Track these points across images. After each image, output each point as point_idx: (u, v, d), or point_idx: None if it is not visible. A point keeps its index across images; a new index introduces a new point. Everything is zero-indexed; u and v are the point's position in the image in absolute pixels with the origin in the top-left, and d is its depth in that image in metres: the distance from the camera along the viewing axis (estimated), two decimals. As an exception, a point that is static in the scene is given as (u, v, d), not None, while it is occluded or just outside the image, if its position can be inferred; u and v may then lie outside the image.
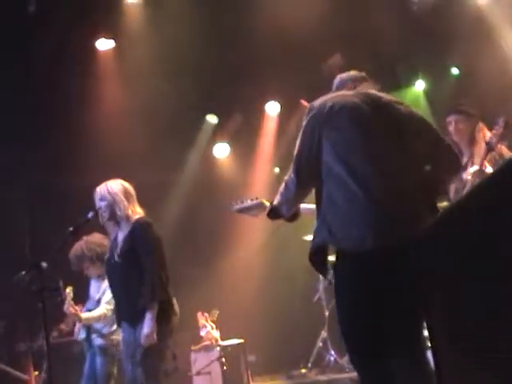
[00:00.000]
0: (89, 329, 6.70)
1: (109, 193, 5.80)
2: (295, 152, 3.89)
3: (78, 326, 6.81)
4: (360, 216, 3.60)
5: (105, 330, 6.66)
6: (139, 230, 5.71)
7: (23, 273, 5.65)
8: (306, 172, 3.86)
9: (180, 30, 9.04)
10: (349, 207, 3.63)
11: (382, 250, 3.53)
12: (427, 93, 10.86)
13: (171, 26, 9.06)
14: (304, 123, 3.88)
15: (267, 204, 4.42)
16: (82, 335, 6.77)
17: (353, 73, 4.23)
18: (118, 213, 5.77)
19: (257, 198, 4.58)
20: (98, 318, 6.57)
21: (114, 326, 6.56)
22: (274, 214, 4.17)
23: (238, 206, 4.67)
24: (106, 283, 6.63)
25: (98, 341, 6.65)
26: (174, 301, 5.73)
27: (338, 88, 4.15)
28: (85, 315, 6.57)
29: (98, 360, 6.65)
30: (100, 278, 6.84)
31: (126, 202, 5.79)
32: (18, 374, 7.79)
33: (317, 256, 3.91)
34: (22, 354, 8.42)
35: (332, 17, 9.03)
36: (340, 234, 3.66)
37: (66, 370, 6.96)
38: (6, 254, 9.28)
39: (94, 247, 6.75)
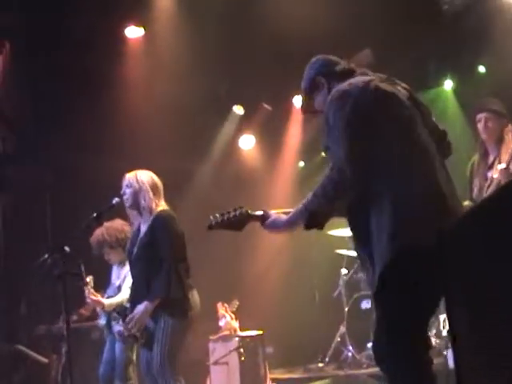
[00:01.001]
0: (109, 315, 6.73)
1: (137, 181, 5.82)
2: (342, 148, 3.50)
3: (99, 311, 6.84)
4: (422, 213, 3.48)
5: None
6: (160, 223, 5.74)
7: (46, 256, 5.68)
8: (361, 169, 3.50)
9: (209, 20, 9.05)
10: (416, 206, 3.48)
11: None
12: (456, 91, 10.79)
13: (201, 16, 9.06)
14: (342, 111, 3.57)
15: (257, 213, 4.06)
16: (102, 321, 6.80)
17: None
18: (142, 203, 5.79)
19: (241, 208, 4.12)
20: (122, 303, 6.58)
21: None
22: (311, 222, 3.71)
23: (218, 219, 4.16)
24: (126, 269, 6.68)
25: (117, 327, 6.67)
26: (194, 292, 5.75)
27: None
28: (107, 301, 6.60)
29: (118, 346, 6.68)
30: (121, 264, 6.87)
31: (151, 194, 5.81)
32: (37, 356, 7.83)
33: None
34: (42, 336, 8.47)
35: (361, 14, 8.99)
36: (408, 232, 3.45)
37: (84, 354, 6.99)
38: (29, 237, 9.35)
39: (114, 233, 6.78)
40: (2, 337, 9.55)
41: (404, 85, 3.87)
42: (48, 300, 8.57)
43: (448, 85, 10.83)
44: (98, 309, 6.81)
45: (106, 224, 6.79)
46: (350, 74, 3.88)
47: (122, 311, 6.20)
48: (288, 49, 9.47)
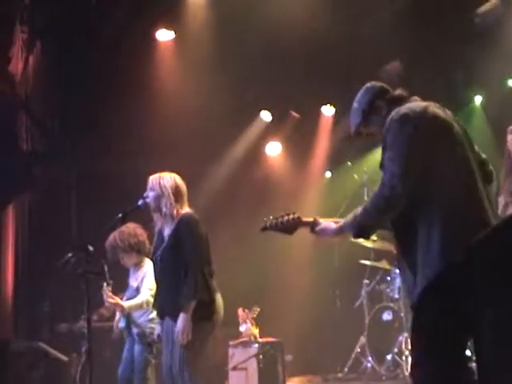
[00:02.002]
0: (129, 317, 6.73)
1: (159, 185, 5.80)
2: (397, 165, 3.61)
3: (118, 315, 6.84)
4: (469, 232, 3.56)
5: (142, 319, 6.68)
6: (184, 226, 5.72)
7: (69, 255, 5.70)
8: (413, 186, 3.61)
9: (239, 25, 9.05)
10: (464, 225, 3.58)
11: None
12: (483, 105, 10.77)
13: (231, 21, 9.07)
14: (401, 132, 3.70)
15: (308, 220, 4.21)
16: (121, 324, 6.80)
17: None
18: (164, 209, 5.78)
19: (293, 213, 4.28)
20: (141, 305, 6.57)
21: (152, 314, 6.61)
22: (359, 233, 3.90)
23: (272, 222, 4.30)
24: (143, 271, 6.70)
25: (136, 329, 6.69)
26: (218, 296, 5.75)
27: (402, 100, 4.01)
28: (127, 303, 6.59)
29: (137, 347, 6.68)
30: (137, 266, 6.86)
31: (173, 200, 5.78)
32: (57, 354, 7.86)
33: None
34: (63, 334, 8.51)
35: (393, 26, 8.97)
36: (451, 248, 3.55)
37: (103, 354, 7.00)
38: (53, 236, 9.40)
39: (126, 237, 6.74)
40: (23, 334, 9.63)
41: (450, 112, 3.95)
42: (70, 299, 8.62)
43: (478, 99, 10.81)
44: (118, 313, 6.82)
45: (119, 228, 6.74)
46: (404, 99, 4.00)
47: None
48: (318, 58, 9.48)
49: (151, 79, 9.82)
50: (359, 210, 3.82)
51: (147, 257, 6.68)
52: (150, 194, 5.82)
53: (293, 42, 9.13)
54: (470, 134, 3.93)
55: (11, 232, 10.11)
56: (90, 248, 5.56)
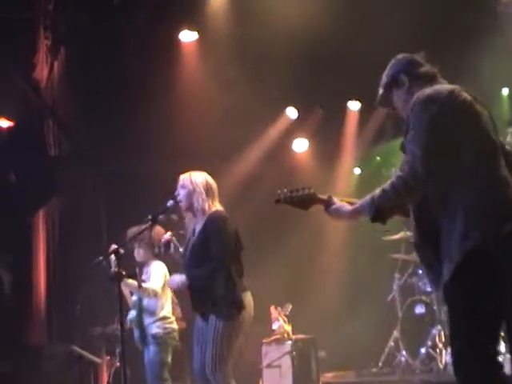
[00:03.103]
0: (143, 330, 6.75)
1: (190, 182, 5.83)
2: (420, 146, 3.54)
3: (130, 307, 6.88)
4: (494, 216, 3.52)
5: (148, 322, 6.73)
6: (212, 222, 5.74)
7: (101, 258, 5.72)
8: (435, 167, 3.53)
9: (263, 24, 9.04)
10: (488, 209, 3.52)
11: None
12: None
13: (255, 19, 9.06)
14: (426, 113, 3.62)
15: (323, 197, 4.07)
16: (136, 335, 6.82)
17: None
18: (195, 204, 5.79)
19: (309, 188, 4.12)
20: (145, 290, 6.58)
21: (165, 312, 6.72)
22: (377, 215, 3.75)
23: (287, 194, 4.17)
24: (151, 268, 6.79)
25: (151, 329, 6.71)
26: (247, 294, 5.75)
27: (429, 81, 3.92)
28: (130, 281, 6.51)
29: (151, 348, 6.70)
30: (144, 264, 6.90)
31: (204, 195, 5.81)
32: (91, 357, 7.91)
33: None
34: (96, 337, 8.56)
35: (420, 17, 8.92)
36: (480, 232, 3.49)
37: (136, 356, 7.02)
38: (84, 240, 9.45)
39: (152, 234, 6.79)
40: (57, 338, 9.70)
41: (477, 97, 3.88)
42: (102, 302, 8.66)
43: (505, 91, 10.74)
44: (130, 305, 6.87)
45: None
46: (432, 78, 3.93)
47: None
48: (343, 52, 9.45)
49: (176, 80, 9.85)
50: (377, 191, 3.70)
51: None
52: (182, 192, 5.84)
53: (317, 37, 9.08)
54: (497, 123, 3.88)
55: (42, 237, 10.19)
56: (121, 251, 5.58)
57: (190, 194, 5.81)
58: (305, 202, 4.14)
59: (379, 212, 3.71)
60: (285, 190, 4.17)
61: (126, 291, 6.59)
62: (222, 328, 5.55)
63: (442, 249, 3.57)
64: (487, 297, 3.50)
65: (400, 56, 4.12)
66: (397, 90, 4.01)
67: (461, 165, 3.58)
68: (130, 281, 6.41)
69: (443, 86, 3.81)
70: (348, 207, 3.96)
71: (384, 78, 4.09)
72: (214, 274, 5.61)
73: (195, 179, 5.87)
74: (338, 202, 4.03)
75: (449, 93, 3.71)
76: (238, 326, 5.64)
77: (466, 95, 3.75)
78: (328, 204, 4.05)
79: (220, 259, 5.63)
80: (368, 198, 3.76)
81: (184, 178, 5.90)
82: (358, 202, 3.89)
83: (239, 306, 5.63)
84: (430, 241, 3.66)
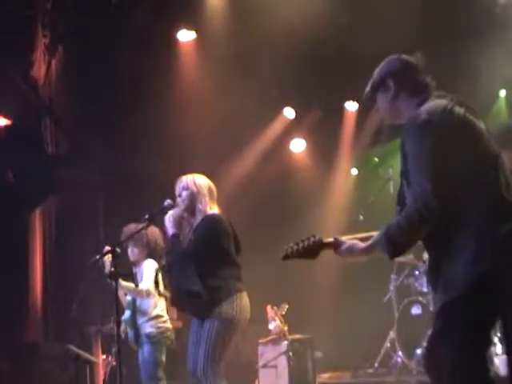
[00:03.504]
0: (136, 330, 6.74)
1: (194, 184, 5.86)
2: (428, 180, 3.45)
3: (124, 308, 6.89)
4: (501, 241, 3.46)
5: (141, 321, 6.74)
6: (205, 223, 5.77)
7: (97, 257, 5.72)
8: (448, 202, 3.45)
9: (261, 23, 9.05)
10: (496, 233, 3.46)
11: None
12: (509, 99, 10.73)
13: (253, 18, 9.06)
14: (424, 141, 3.53)
15: (329, 240, 4.04)
16: (130, 335, 6.82)
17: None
18: (199, 205, 5.82)
19: (314, 236, 4.08)
20: (139, 292, 6.57)
21: (158, 310, 6.74)
22: (395, 252, 3.66)
23: (294, 249, 4.09)
24: (142, 268, 6.79)
25: (145, 329, 6.71)
26: (243, 295, 5.74)
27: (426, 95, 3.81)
28: (124, 283, 6.51)
29: (145, 348, 6.70)
30: (137, 262, 6.90)
31: (207, 198, 5.85)
32: (87, 356, 7.89)
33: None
34: (92, 336, 8.54)
35: (413, 19, 8.93)
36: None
37: (132, 356, 7.02)
38: (81, 239, 9.44)
39: (149, 235, 6.79)
40: (53, 337, 9.69)
41: (472, 108, 3.81)
42: (99, 301, 8.65)
43: (502, 93, 10.76)
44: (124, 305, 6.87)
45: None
46: (422, 90, 3.82)
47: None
48: (341, 53, 9.45)
49: (173, 80, 9.85)
50: (390, 226, 3.61)
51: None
52: (184, 193, 5.85)
53: (315, 37, 9.09)
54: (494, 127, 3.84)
55: (38, 236, 10.17)
56: (118, 250, 5.57)
57: (195, 196, 5.83)
58: (312, 251, 4.12)
59: (398, 248, 3.63)
60: (291, 245, 4.09)
61: (120, 292, 6.59)
62: (215, 329, 5.55)
63: (449, 270, 3.51)
64: (488, 314, 3.49)
65: (393, 57, 4.01)
66: (382, 93, 3.92)
67: (466, 189, 3.51)
68: (124, 283, 6.41)
69: (435, 105, 3.67)
70: (360, 245, 3.89)
71: (374, 76, 3.98)
72: (188, 270, 5.62)
73: (199, 181, 5.90)
74: (347, 241, 3.97)
75: (442, 112, 3.60)
76: (231, 328, 5.64)
77: (458, 110, 3.65)
78: (336, 246, 4.02)
79: (197, 258, 5.64)
80: (382, 234, 3.67)
81: (187, 179, 5.92)
82: (372, 239, 3.81)
83: (229, 307, 5.60)
84: (439, 264, 3.59)
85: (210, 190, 5.92)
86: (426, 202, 3.44)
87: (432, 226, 3.50)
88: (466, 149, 3.56)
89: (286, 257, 4.10)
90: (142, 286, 6.60)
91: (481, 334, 3.51)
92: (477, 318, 3.46)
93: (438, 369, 3.55)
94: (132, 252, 6.88)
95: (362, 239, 3.92)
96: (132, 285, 6.53)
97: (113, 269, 5.54)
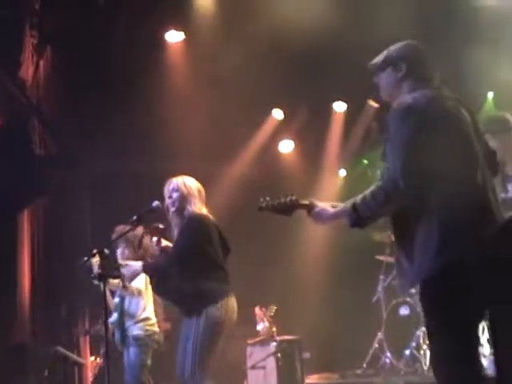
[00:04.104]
0: (123, 331, 6.73)
1: (184, 186, 5.89)
2: (401, 161, 3.53)
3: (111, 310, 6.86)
4: (470, 229, 3.54)
5: (129, 323, 6.73)
6: (188, 222, 5.79)
7: (85, 259, 5.71)
8: (417, 184, 3.53)
9: (250, 24, 9.05)
10: (464, 222, 3.54)
11: None
12: (496, 102, 10.77)
13: (242, 19, 9.06)
14: (404, 126, 3.60)
15: (305, 202, 4.08)
16: (116, 336, 6.80)
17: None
18: (189, 207, 5.84)
19: (292, 195, 4.14)
20: (128, 288, 6.54)
21: (146, 313, 6.75)
22: (356, 223, 3.77)
23: (269, 203, 4.19)
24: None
25: (132, 331, 6.70)
26: (230, 297, 5.74)
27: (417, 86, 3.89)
28: (115, 281, 6.49)
29: (132, 350, 6.70)
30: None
31: (198, 199, 5.88)
32: (75, 357, 7.89)
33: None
34: (80, 338, 8.55)
35: (403, 21, 8.95)
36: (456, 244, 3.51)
37: (121, 356, 7.01)
38: (69, 240, 9.42)
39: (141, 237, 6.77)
40: (41, 338, 9.65)
41: (464, 102, 3.87)
42: (87, 302, 8.64)
43: (490, 95, 10.81)
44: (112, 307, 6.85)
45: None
46: (426, 80, 3.90)
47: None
48: (329, 54, 9.46)
49: (162, 81, 9.83)
50: (358, 198, 3.73)
51: None
52: (174, 195, 5.87)
53: (303, 38, 9.09)
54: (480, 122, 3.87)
55: (27, 237, 10.13)
56: (106, 251, 5.57)
57: (185, 197, 5.85)
58: (287, 208, 4.15)
59: (359, 220, 3.75)
60: (267, 198, 4.19)
61: (108, 294, 6.56)
62: (202, 330, 5.55)
63: (416, 257, 3.57)
64: (457, 308, 3.51)
65: (414, 43, 4.09)
66: (391, 70, 3.98)
67: (438, 178, 3.54)
68: (116, 281, 6.39)
69: (424, 94, 3.75)
70: (329, 212, 3.99)
71: (390, 51, 4.06)
72: (170, 267, 5.64)
73: (189, 183, 5.94)
74: (320, 206, 4.04)
75: (428, 102, 3.68)
76: (217, 330, 5.64)
77: (444, 101, 3.74)
78: (310, 208, 4.07)
79: (177, 254, 5.68)
80: (349, 203, 3.79)
81: (177, 180, 5.94)
82: (340, 207, 3.93)
83: (214, 309, 5.61)
84: (406, 248, 3.67)
85: (199, 191, 5.95)
86: (394, 181, 3.53)
87: (397, 205, 3.61)
88: (443, 140, 3.61)
89: (261, 208, 4.20)
90: (133, 284, 6.60)
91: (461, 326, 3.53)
92: (450, 309, 3.50)
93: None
94: (123, 253, 6.87)
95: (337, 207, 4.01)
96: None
97: (101, 270, 5.54)
